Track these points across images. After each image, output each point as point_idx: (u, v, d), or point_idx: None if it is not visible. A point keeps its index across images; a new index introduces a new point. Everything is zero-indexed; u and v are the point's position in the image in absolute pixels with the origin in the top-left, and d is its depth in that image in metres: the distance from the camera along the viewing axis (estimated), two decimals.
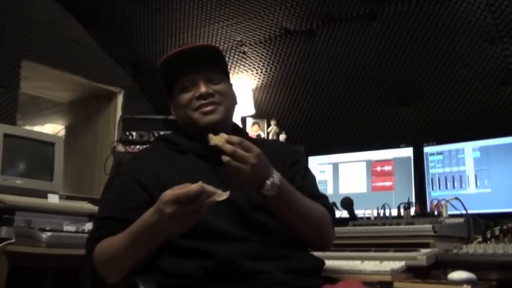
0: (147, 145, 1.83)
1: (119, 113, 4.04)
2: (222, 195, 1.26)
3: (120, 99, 4.12)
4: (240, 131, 1.69)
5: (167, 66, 1.59)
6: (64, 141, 3.20)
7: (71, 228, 2.45)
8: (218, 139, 1.40)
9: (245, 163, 1.36)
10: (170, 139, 1.63)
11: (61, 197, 2.86)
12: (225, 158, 1.37)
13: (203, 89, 1.55)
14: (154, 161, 1.55)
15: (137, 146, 3.41)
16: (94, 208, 2.78)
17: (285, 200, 1.46)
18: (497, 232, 2.10)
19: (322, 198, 1.65)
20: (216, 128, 1.50)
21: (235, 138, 1.39)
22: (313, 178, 1.73)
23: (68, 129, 4.50)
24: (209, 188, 1.24)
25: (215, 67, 1.62)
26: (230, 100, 1.61)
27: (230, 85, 1.66)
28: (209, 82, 1.57)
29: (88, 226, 2.50)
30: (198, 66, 1.57)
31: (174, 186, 1.33)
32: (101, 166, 3.61)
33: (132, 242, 1.35)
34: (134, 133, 3.45)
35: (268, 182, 1.40)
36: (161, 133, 3.15)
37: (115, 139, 3.63)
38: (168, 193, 1.24)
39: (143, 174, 1.51)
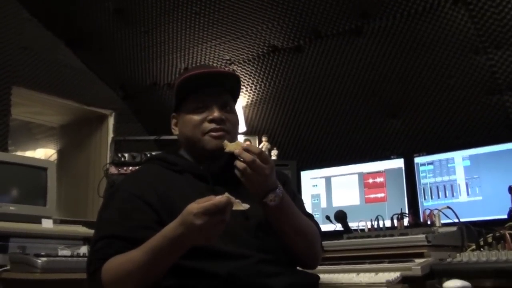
0: (140, 166, 1.77)
1: (110, 135, 4.05)
2: (242, 205, 1.29)
3: (111, 121, 4.13)
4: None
5: (186, 82, 1.58)
6: (56, 166, 3.20)
7: (66, 252, 2.44)
8: (234, 146, 1.43)
9: (260, 175, 1.39)
10: (167, 159, 1.62)
11: (55, 222, 2.85)
12: (241, 165, 1.39)
13: (217, 114, 1.55)
14: (153, 180, 1.54)
15: (130, 168, 3.42)
16: (88, 231, 2.77)
17: (285, 212, 1.49)
18: (490, 239, 2.13)
19: (311, 217, 1.69)
20: (221, 153, 1.52)
21: (254, 148, 1.42)
22: (301, 199, 1.76)
23: (60, 153, 4.50)
24: (232, 199, 1.27)
25: (231, 96, 1.64)
26: (236, 130, 1.64)
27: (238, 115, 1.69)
28: (223, 108, 1.58)
29: (83, 249, 2.49)
30: (217, 91, 1.59)
31: (178, 205, 1.38)
32: (95, 189, 3.62)
33: (151, 257, 1.33)
34: (126, 155, 3.46)
35: (272, 193, 1.44)
36: (153, 153, 3.16)
37: (108, 161, 3.64)
38: (196, 206, 1.24)
39: (146, 193, 1.49)
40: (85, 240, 2.69)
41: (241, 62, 3.54)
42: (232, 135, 1.59)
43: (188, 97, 1.59)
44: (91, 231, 2.83)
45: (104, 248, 1.43)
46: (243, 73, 3.58)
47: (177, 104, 1.63)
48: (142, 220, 1.45)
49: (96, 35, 3.82)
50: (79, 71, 3.98)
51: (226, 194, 1.25)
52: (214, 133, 1.55)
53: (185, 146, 1.64)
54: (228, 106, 1.60)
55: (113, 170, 3.43)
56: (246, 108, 3.69)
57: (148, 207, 1.47)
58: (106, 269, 1.39)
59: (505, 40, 2.64)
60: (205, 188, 1.53)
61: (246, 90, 3.65)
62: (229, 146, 1.44)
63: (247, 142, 1.45)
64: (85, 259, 2.36)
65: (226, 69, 3.59)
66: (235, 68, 3.58)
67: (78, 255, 2.42)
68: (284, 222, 1.51)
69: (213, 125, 1.54)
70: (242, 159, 1.39)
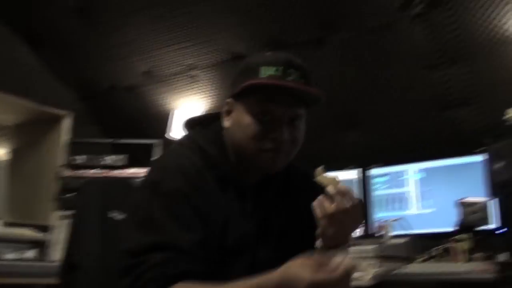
0: (176, 150, 1.36)
1: (65, 136, 3.95)
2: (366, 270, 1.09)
3: (67, 122, 4.03)
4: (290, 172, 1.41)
5: (265, 86, 1.25)
6: (8, 166, 3.11)
7: (11, 256, 2.37)
8: (328, 180, 1.19)
9: (344, 227, 1.17)
10: (218, 163, 1.30)
11: (4, 224, 2.77)
12: (330, 208, 1.16)
13: (283, 135, 1.24)
14: (197, 186, 1.24)
15: (84, 171, 3.36)
16: (36, 235, 2.71)
17: None
18: (437, 251, 2.17)
19: None
20: (270, 172, 1.31)
21: (353, 197, 1.18)
22: None
23: (13, 153, 4.38)
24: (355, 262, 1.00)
25: (304, 111, 1.31)
26: (296, 149, 1.32)
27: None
28: (291, 123, 1.27)
29: (30, 253, 2.43)
30: (291, 102, 1.27)
31: (214, 226, 1.19)
32: (46, 191, 3.53)
33: None
34: (81, 157, 3.40)
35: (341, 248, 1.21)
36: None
37: (62, 163, 3.56)
38: (309, 276, 0.95)
39: (196, 200, 1.22)
40: (33, 243, 2.62)
41: (203, 67, 3.53)
42: (291, 156, 1.31)
43: (255, 93, 1.26)
44: (39, 235, 2.76)
45: (168, 263, 1.12)
46: (205, 79, 3.57)
47: (237, 92, 1.28)
48: (199, 232, 1.19)
49: (55, 33, 3.75)
50: (36, 70, 3.89)
51: (349, 257, 0.99)
52: (270, 154, 1.25)
53: (232, 145, 1.31)
54: (297, 121, 1.29)
55: (67, 172, 3.37)
56: None
57: (198, 217, 1.20)
58: None
59: (459, 57, 2.71)
60: (244, 213, 1.27)
61: (207, 96, 3.63)
62: (323, 178, 1.20)
63: (344, 185, 1.20)
64: (33, 263, 2.32)
65: (187, 74, 3.57)
66: (196, 74, 3.56)
67: (25, 259, 2.36)
68: None
69: (273, 146, 1.25)
70: (334, 202, 1.16)
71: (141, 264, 1.13)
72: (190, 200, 1.20)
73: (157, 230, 1.16)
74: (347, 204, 1.16)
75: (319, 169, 1.20)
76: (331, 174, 1.21)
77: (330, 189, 1.17)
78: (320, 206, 1.17)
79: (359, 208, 1.18)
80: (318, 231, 1.20)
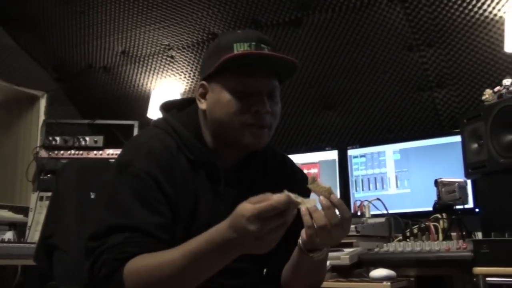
0: (147, 132, 1.36)
1: (42, 117, 3.90)
2: (307, 203, 1.05)
3: (43, 103, 3.98)
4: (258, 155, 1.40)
5: (240, 57, 1.25)
6: None
7: None
8: (321, 189, 1.15)
9: (331, 238, 1.15)
10: (186, 142, 1.30)
11: None
12: (321, 221, 1.12)
13: (266, 106, 1.26)
14: (168, 168, 1.25)
15: (61, 152, 3.32)
16: (14, 216, 2.68)
17: (316, 264, 1.28)
18: (415, 231, 2.21)
19: None
20: (254, 150, 1.33)
21: (346, 210, 1.15)
22: None
23: None
24: (294, 197, 1.01)
25: (280, 84, 1.35)
26: (276, 124, 1.34)
27: None
28: (269, 97, 1.29)
29: (9, 235, 2.41)
30: (268, 74, 1.29)
31: (182, 209, 1.21)
32: (23, 172, 3.49)
33: (194, 264, 1.07)
34: (58, 138, 3.37)
35: (323, 250, 1.23)
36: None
37: (38, 144, 3.52)
38: (250, 207, 0.98)
39: (165, 184, 1.23)
40: (11, 225, 2.60)
41: (180, 48, 3.50)
42: (272, 131, 1.32)
43: (231, 70, 1.27)
44: (17, 216, 2.74)
45: (125, 244, 1.13)
46: (182, 60, 3.54)
47: (214, 71, 1.28)
48: (167, 217, 1.21)
49: (29, 12, 3.66)
50: (10, 49, 3.82)
51: (286, 192, 1.00)
52: (255, 130, 1.27)
53: (212, 126, 1.32)
54: (275, 93, 1.31)
55: (43, 153, 3.33)
56: (184, 95, 3.65)
57: (166, 201, 1.22)
58: (131, 271, 1.11)
59: (437, 39, 2.73)
60: (215, 193, 1.30)
61: (185, 77, 3.61)
62: (316, 187, 1.15)
63: (336, 196, 1.15)
64: (11, 245, 2.29)
65: (164, 55, 3.54)
66: (174, 54, 3.53)
67: (2, 241, 2.34)
68: (307, 270, 1.30)
69: (256, 119, 1.26)
70: (325, 214, 1.12)
71: (100, 246, 1.14)
72: (159, 184, 1.21)
73: (121, 212, 1.18)
74: (339, 218, 1.13)
75: (312, 176, 1.17)
76: (325, 184, 1.16)
77: (323, 200, 1.14)
78: (310, 215, 1.14)
79: (349, 222, 1.16)
80: (303, 234, 1.20)
